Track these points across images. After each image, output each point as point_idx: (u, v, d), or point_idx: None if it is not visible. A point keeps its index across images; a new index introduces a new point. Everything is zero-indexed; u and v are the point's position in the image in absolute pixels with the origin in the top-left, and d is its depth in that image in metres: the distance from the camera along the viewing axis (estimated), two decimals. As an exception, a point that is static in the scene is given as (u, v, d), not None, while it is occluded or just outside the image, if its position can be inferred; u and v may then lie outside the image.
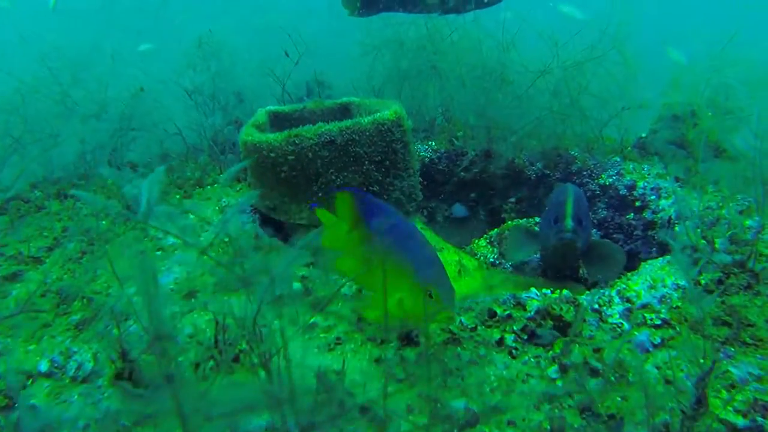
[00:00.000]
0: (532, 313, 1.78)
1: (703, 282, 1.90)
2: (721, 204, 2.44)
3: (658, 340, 1.72)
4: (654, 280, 1.95)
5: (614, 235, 3.03)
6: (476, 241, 2.98)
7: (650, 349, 1.70)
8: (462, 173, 3.31)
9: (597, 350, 1.67)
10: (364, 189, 2.39)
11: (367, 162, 2.39)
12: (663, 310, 1.82)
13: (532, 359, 1.67)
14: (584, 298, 1.87)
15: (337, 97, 3.22)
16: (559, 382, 1.58)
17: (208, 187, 2.86)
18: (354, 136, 2.33)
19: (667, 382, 1.56)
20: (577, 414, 1.46)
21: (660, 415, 1.39)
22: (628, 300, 1.88)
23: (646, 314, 1.81)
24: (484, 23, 3.54)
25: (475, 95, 3.30)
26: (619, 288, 1.94)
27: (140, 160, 3.39)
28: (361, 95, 3.37)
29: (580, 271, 2.65)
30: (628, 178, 3.00)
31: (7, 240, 2.43)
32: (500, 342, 1.72)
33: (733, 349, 1.65)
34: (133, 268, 1.17)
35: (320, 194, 2.38)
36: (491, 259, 2.83)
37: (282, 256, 1.26)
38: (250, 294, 1.25)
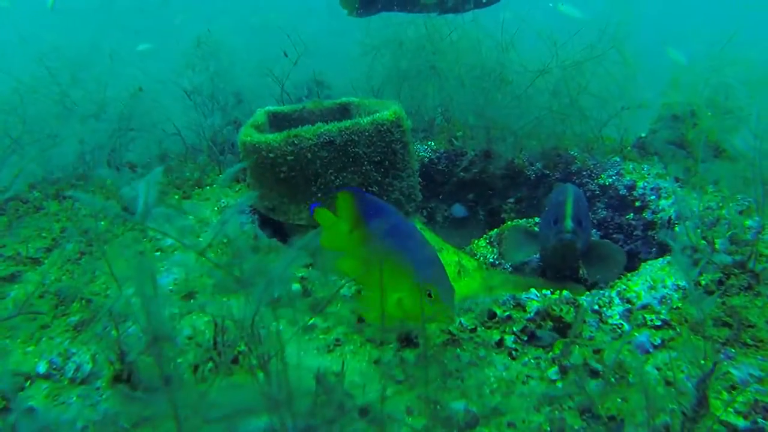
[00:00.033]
0: (532, 314, 1.77)
1: (703, 283, 1.90)
2: (721, 204, 2.44)
3: (659, 341, 1.71)
4: (654, 281, 1.94)
5: (614, 236, 3.02)
6: (476, 241, 2.98)
7: (650, 350, 1.70)
8: (461, 173, 3.30)
9: (597, 351, 1.67)
10: (364, 189, 2.39)
11: (366, 162, 2.38)
12: (663, 311, 1.81)
13: (531, 360, 1.66)
14: (584, 299, 1.87)
15: (337, 97, 3.22)
16: (559, 384, 1.58)
17: (207, 187, 2.86)
18: (353, 136, 2.33)
19: (668, 383, 1.56)
20: (577, 415, 1.45)
21: (660, 417, 1.39)
22: (628, 301, 1.87)
23: (646, 315, 1.81)
24: (483, 23, 3.53)
25: (475, 95, 3.30)
26: (619, 289, 1.94)
27: (139, 161, 3.38)
28: (361, 95, 3.37)
29: (580, 272, 2.64)
30: (628, 178, 3.00)
31: (6, 241, 2.43)
32: (500, 343, 1.71)
33: (733, 350, 1.65)
34: (131, 269, 1.16)
35: (319, 195, 2.38)
36: (491, 260, 2.83)
37: (280, 257, 1.26)
38: (249, 295, 1.24)
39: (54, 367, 1.72)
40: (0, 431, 1.45)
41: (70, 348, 1.78)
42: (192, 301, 1.97)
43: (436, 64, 3.54)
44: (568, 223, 2.23)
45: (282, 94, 3.62)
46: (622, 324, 1.79)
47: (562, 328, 1.75)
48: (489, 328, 1.76)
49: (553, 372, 1.61)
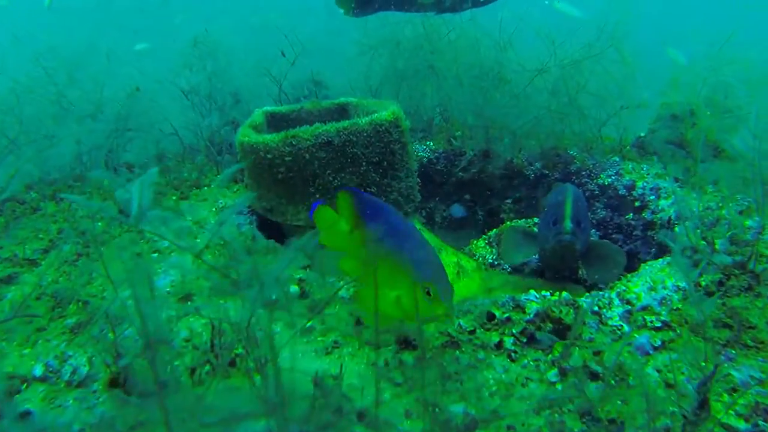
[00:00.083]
0: (532, 315, 1.76)
1: (703, 284, 1.89)
2: (720, 204, 2.43)
3: (659, 343, 1.71)
4: (654, 282, 1.93)
5: (613, 236, 3.01)
6: (475, 241, 2.96)
7: (651, 351, 1.69)
8: (460, 173, 3.29)
9: (597, 353, 1.66)
10: (362, 190, 2.37)
11: (364, 163, 2.37)
12: (663, 312, 1.81)
13: (531, 362, 1.65)
14: (584, 301, 1.86)
15: (335, 97, 3.21)
16: (558, 386, 1.57)
17: (205, 188, 2.85)
18: (351, 137, 2.32)
19: (668, 385, 1.55)
20: (577, 418, 1.44)
21: (661, 420, 1.38)
22: (628, 302, 1.86)
23: (646, 316, 1.80)
24: (481, 22, 3.52)
25: (473, 95, 3.29)
26: (618, 290, 1.93)
27: (137, 161, 3.37)
28: (359, 95, 3.36)
29: (579, 272, 2.63)
30: (627, 178, 2.99)
31: (2, 242, 2.41)
32: (499, 345, 1.70)
33: (734, 352, 1.64)
34: (128, 271, 1.15)
35: (317, 196, 2.36)
36: (490, 260, 2.81)
37: (277, 259, 1.25)
38: (245, 298, 1.23)
39: (50, 369, 1.71)
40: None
41: (67, 351, 1.77)
42: (189, 303, 1.96)
43: (434, 64, 3.53)
44: (568, 224, 2.22)
45: (280, 94, 3.61)
46: (622, 325, 1.79)
47: (561, 330, 1.74)
48: (488, 330, 1.75)
49: (552, 374, 1.60)
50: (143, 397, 1.10)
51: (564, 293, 1.86)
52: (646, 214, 2.84)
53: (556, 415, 1.46)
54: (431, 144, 3.36)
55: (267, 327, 1.21)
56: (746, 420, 1.41)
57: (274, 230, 2.54)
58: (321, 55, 3.93)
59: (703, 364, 1.54)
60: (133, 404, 1.41)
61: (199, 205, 2.68)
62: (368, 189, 2.40)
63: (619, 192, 2.99)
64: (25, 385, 1.68)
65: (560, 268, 2.61)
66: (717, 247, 2.01)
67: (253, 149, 2.37)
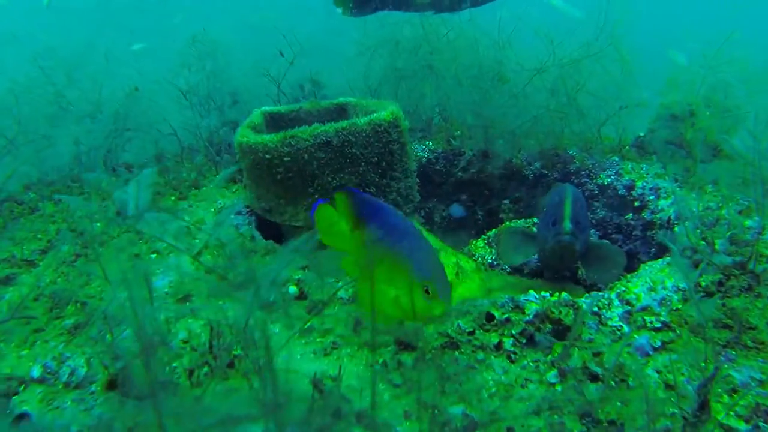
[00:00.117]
0: (531, 316, 1.76)
1: (703, 284, 1.88)
2: (720, 204, 2.43)
3: (659, 344, 1.70)
4: (654, 282, 1.93)
5: (613, 236, 3.01)
6: (474, 242, 2.96)
7: (650, 352, 1.68)
8: (459, 173, 3.29)
9: (597, 354, 1.65)
10: (361, 190, 2.37)
11: (363, 163, 2.37)
12: (663, 313, 1.80)
13: (530, 363, 1.65)
14: (583, 301, 1.85)
15: (333, 97, 3.20)
16: (558, 387, 1.57)
17: (204, 188, 2.84)
18: (350, 137, 2.31)
19: (668, 386, 1.55)
20: (576, 420, 1.44)
21: (661, 421, 1.38)
22: (628, 302, 1.86)
23: (646, 317, 1.79)
24: (480, 22, 3.51)
25: (472, 94, 3.28)
26: (618, 290, 1.92)
27: (135, 161, 3.36)
28: (358, 95, 3.35)
29: (579, 273, 2.63)
30: (627, 178, 2.98)
31: (0, 243, 2.41)
32: (498, 346, 1.70)
33: (734, 353, 1.63)
34: (125, 272, 1.15)
35: (316, 196, 2.36)
36: (489, 260, 2.81)
37: (274, 260, 1.24)
38: (242, 299, 1.23)
39: (48, 371, 1.70)
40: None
41: (65, 352, 1.77)
42: (188, 303, 1.95)
43: (433, 64, 3.52)
44: (567, 225, 2.21)
45: (278, 94, 3.60)
46: (621, 326, 1.78)
47: (561, 331, 1.74)
48: (487, 331, 1.74)
49: (552, 375, 1.60)
50: (140, 399, 1.09)
51: (563, 294, 1.86)
52: (646, 214, 2.83)
53: (556, 416, 1.45)
54: (430, 144, 3.36)
55: (263, 329, 1.20)
56: (746, 421, 1.41)
57: (273, 230, 2.53)
58: (320, 55, 3.92)
59: (703, 365, 1.54)
60: (130, 406, 1.41)
61: (197, 205, 2.67)
62: (367, 189, 2.40)
63: (619, 192, 2.99)
64: (22, 386, 1.67)
65: (559, 269, 2.61)
66: (717, 247, 2.01)
67: (251, 149, 2.37)
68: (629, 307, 1.84)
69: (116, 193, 1.11)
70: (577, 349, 1.67)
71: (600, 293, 1.95)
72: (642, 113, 3.25)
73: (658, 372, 1.61)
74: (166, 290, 2.02)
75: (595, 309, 1.84)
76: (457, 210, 3.34)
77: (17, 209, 2.68)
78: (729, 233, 2.08)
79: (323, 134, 2.29)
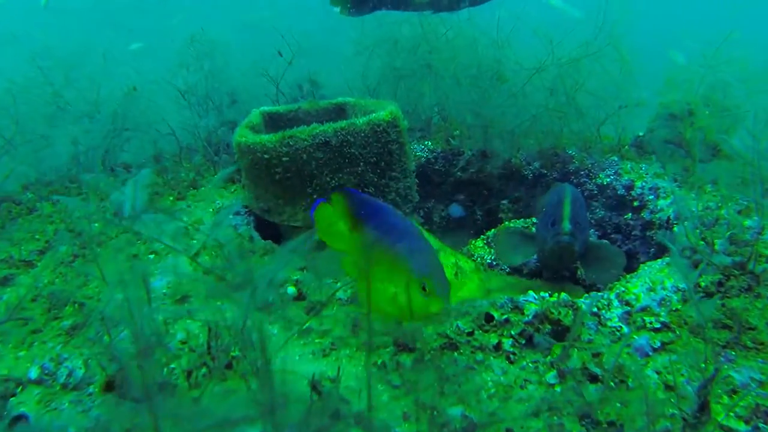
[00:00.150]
0: (530, 317, 1.75)
1: (702, 284, 1.88)
2: (719, 204, 2.42)
3: (658, 344, 1.70)
4: (653, 283, 1.93)
5: (612, 236, 3.01)
6: (473, 242, 2.95)
7: (650, 353, 1.68)
8: (459, 173, 3.28)
9: (596, 355, 1.65)
10: (360, 191, 2.36)
11: (362, 163, 2.36)
12: (663, 313, 1.80)
13: (530, 364, 1.64)
14: (583, 302, 1.85)
15: (332, 96, 3.20)
16: (557, 388, 1.56)
17: (203, 188, 2.83)
18: (349, 137, 2.31)
19: (668, 387, 1.54)
20: (576, 421, 1.43)
21: (661, 422, 1.37)
22: (627, 303, 1.85)
23: (645, 317, 1.79)
24: (479, 21, 3.51)
25: (471, 94, 3.27)
26: (618, 291, 1.92)
27: (134, 161, 3.36)
28: (356, 95, 3.34)
29: (578, 273, 2.62)
30: (626, 178, 2.98)
31: (-2, 243, 2.40)
32: (498, 347, 1.69)
33: (734, 353, 1.63)
34: (123, 273, 1.14)
35: (315, 196, 2.35)
36: (488, 260, 2.81)
37: (272, 261, 1.24)
38: (239, 300, 1.22)
39: (46, 372, 1.69)
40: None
41: (63, 353, 1.76)
42: (186, 304, 1.95)
43: (432, 63, 3.51)
44: (566, 225, 2.20)
45: (277, 94, 3.59)
46: (621, 327, 1.78)
47: (560, 332, 1.73)
48: (486, 331, 1.74)
49: (551, 376, 1.59)
50: (136, 401, 1.08)
51: (563, 294, 1.85)
52: (645, 214, 2.83)
53: (555, 417, 1.45)
54: (429, 144, 3.35)
55: (260, 330, 1.20)
56: (746, 422, 1.40)
57: (271, 231, 2.53)
58: (318, 55, 3.91)
59: (703, 365, 1.53)
60: (127, 408, 1.40)
61: (196, 205, 2.66)
62: (366, 189, 2.39)
63: (618, 192, 2.98)
64: (20, 387, 1.67)
65: (559, 269, 2.60)
66: (716, 247, 2.00)
67: (250, 150, 2.36)
68: (629, 308, 1.84)
69: (113, 195, 1.10)
70: (576, 349, 1.67)
71: (599, 294, 1.95)
72: (641, 113, 3.24)
73: (658, 373, 1.60)
74: (164, 291, 2.01)
75: (595, 309, 1.83)
76: (456, 210, 3.34)
77: (15, 209, 2.67)
78: (728, 233, 2.07)
79: (322, 134, 2.29)
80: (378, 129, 2.35)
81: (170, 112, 3.46)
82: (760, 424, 1.38)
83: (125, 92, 3.32)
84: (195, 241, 2.26)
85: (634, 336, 1.73)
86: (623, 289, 1.92)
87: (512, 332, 1.72)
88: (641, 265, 2.19)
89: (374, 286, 1.45)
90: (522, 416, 1.45)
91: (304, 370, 1.60)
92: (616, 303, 1.85)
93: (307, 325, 1.79)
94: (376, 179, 2.42)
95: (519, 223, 3.06)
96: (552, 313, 1.75)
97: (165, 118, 3.36)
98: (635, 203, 2.90)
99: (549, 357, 1.66)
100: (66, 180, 3.04)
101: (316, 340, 1.75)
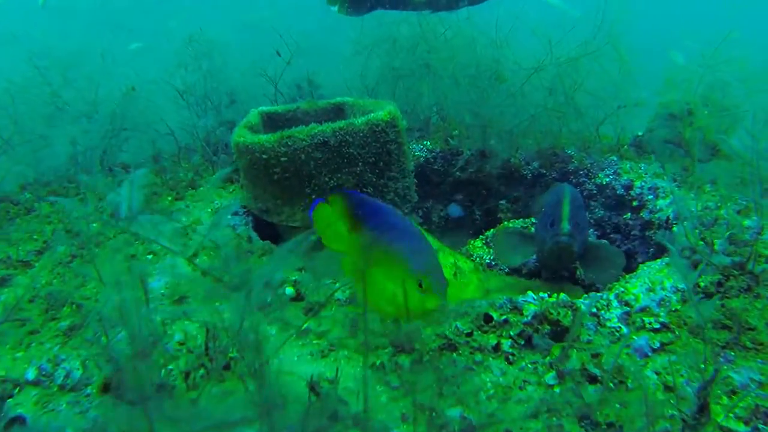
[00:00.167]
0: (529, 317, 1.75)
1: (702, 285, 1.87)
2: (719, 204, 2.42)
3: (658, 345, 1.69)
4: (652, 283, 1.92)
5: (611, 236, 3.00)
6: (472, 242, 2.95)
7: (649, 353, 1.67)
8: (457, 173, 3.28)
9: (595, 356, 1.65)
10: (358, 191, 2.36)
11: (360, 163, 2.36)
12: (662, 314, 1.79)
13: (529, 365, 1.64)
14: (582, 302, 1.84)
15: (330, 96, 3.19)
16: (557, 389, 1.56)
17: (201, 188, 2.83)
18: (347, 137, 2.30)
19: (667, 388, 1.54)
20: (575, 422, 1.43)
21: (660, 423, 1.37)
22: (627, 303, 1.85)
23: (645, 318, 1.78)
24: (477, 20, 3.50)
25: (470, 94, 3.27)
26: (617, 291, 1.91)
27: (132, 161, 3.35)
28: (355, 95, 3.34)
29: (577, 273, 2.62)
30: (625, 178, 2.97)
31: (-4, 244, 2.40)
32: (497, 347, 1.69)
33: (733, 354, 1.62)
34: (120, 274, 1.13)
35: (313, 197, 2.35)
36: (487, 260, 2.80)
37: (269, 261, 1.23)
38: (236, 301, 1.22)
39: (43, 373, 1.69)
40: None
41: (60, 354, 1.76)
42: (184, 305, 1.94)
43: (430, 63, 3.51)
44: (565, 226, 2.20)
45: (276, 94, 3.59)
46: (620, 327, 1.77)
47: (559, 332, 1.73)
48: (485, 332, 1.73)
49: (550, 377, 1.59)
50: (132, 403, 1.08)
51: (562, 295, 1.85)
52: (644, 214, 2.83)
53: (554, 418, 1.44)
54: (428, 143, 3.35)
55: (257, 331, 1.19)
56: (746, 423, 1.40)
57: (270, 231, 2.52)
58: (316, 55, 3.91)
59: (703, 366, 1.53)
60: (123, 410, 1.40)
61: (194, 205, 2.66)
62: (364, 189, 2.39)
63: (617, 191, 2.98)
64: (17, 389, 1.66)
65: (558, 269, 2.60)
66: (716, 247, 2.00)
67: (248, 150, 2.36)
68: (628, 308, 1.83)
69: (109, 196, 1.10)
70: (575, 350, 1.67)
71: (598, 294, 1.94)
72: (640, 112, 3.24)
73: (657, 373, 1.60)
74: (162, 291, 2.01)
75: (594, 310, 1.83)
76: (455, 210, 3.33)
77: (13, 210, 2.67)
78: (728, 233, 2.07)
79: (320, 134, 2.28)
80: (376, 129, 2.35)
81: (169, 112, 3.46)
82: (760, 425, 1.38)
83: (124, 92, 3.32)
84: (192, 242, 2.26)
85: (634, 336, 1.73)
86: (622, 289, 1.91)
87: (511, 333, 1.72)
88: (640, 265, 2.19)
89: (373, 285, 1.44)
90: (521, 417, 1.44)
91: (303, 371, 1.60)
92: (615, 303, 1.85)
93: (305, 325, 1.79)
94: (374, 179, 2.41)
95: (518, 223, 3.06)
96: (551, 313, 1.74)
97: (163, 118, 3.36)
98: (634, 203, 2.90)
99: (548, 358, 1.65)
100: (64, 180, 3.04)
101: (315, 341, 1.75)
